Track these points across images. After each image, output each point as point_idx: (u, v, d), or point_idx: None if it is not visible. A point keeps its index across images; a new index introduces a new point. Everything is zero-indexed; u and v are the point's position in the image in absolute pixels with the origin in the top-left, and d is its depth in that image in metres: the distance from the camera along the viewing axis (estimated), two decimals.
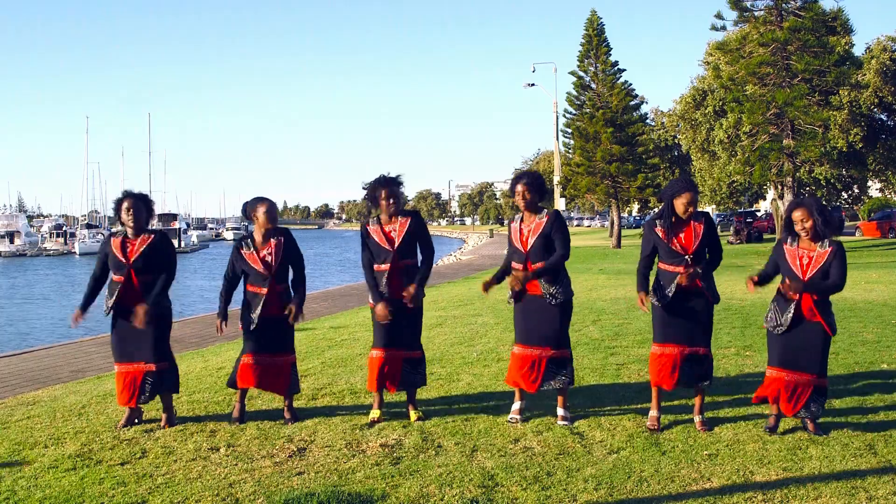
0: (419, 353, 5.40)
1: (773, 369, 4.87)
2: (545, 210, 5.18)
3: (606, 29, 35.22)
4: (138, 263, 5.16)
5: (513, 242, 5.21)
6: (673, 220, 4.97)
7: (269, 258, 5.28)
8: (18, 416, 5.64)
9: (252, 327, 5.26)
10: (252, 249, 5.32)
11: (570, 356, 5.18)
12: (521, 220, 5.22)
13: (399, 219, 5.29)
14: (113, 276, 5.25)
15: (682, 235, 4.94)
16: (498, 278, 5.33)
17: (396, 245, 5.22)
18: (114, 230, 5.57)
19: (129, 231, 5.25)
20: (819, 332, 4.78)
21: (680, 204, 4.91)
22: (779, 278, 4.97)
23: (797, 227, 4.79)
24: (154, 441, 4.92)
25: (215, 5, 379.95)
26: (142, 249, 5.18)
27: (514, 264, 5.21)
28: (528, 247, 5.08)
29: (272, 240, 5.33)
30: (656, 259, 5.10)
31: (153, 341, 5.17)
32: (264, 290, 5.25)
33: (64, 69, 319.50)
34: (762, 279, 4.99)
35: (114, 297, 5.16)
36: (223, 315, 5.36)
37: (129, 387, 5.17)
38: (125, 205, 5.23)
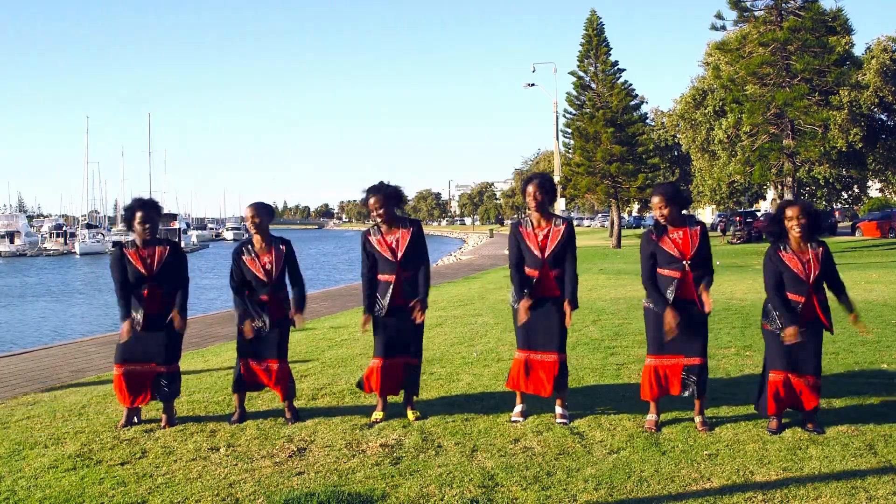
0: (417, 360, 5.39)
1: (777, 373, 4.80)
2: (561, 218, 5.14)
3: (606, 29, 35.28)
4: (161, 277, 5.21)
5: (529, 248, 5.09)
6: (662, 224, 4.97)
7: (269, 266, 5.27)
8: (18, 416, 5.64)
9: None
10: (253, 255, 5.30)
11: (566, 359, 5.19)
12: (533, 225, 5.14)
13: (400, 229, 5.25)
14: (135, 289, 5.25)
15: (678, 240, 4.90)
16: (519, 292, 5.10)
17: (400, 257, 5.20)
18: (122, 240, 5.60)
19: (139, 240, 5.27)
20: (818, 332, 4.79)
21: (653, 207, 4.97)
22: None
23: (790, 224, 4.77)
24: (154, 441, 4.92)
25: (215, 5, 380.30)
26: (162, 263, 5.22)
27: (528, 270, 5.10)
28: (547, 253, 5.03)
29: (273, 248, 5.31)
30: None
31: (168, 344, 5.21)
32: (264, 298, 5.25)
33: (64, 69, 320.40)
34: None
35: (141, 310, 5.16)
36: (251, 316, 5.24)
37: (136, 386, 5.18)
38: (139, 216, 5.23)
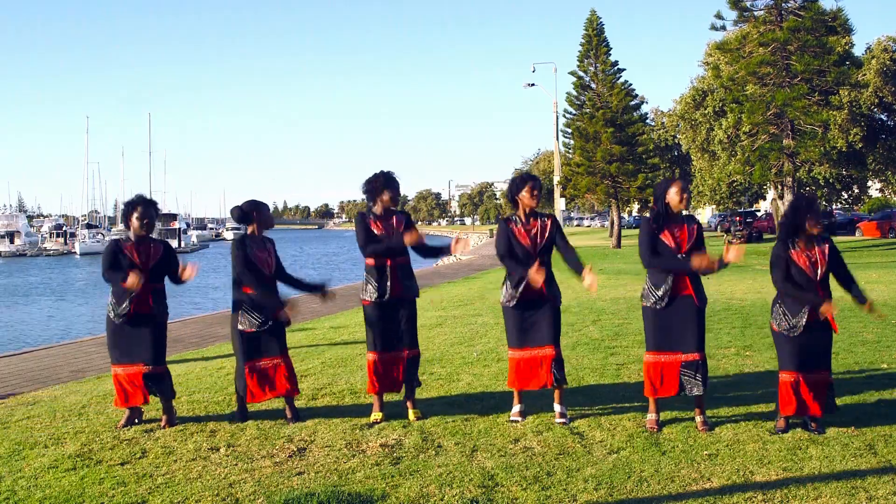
0: (417, 350, 5.41)
1: (789, 374, 4.80)
2: (546, 213, 5.26)
3: (606, 29, 35.24)
4: (156, 270, 5.25)
5: (520, 243, 5.11)
6: (668, 214, 4.97)
7: (268, 261, 5.34)
8: (18, 416, 5.64)
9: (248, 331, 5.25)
10: (253, 251, 5.34)
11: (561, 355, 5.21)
12: (521, 223, 5.16)
13: (395, 217, 5.36)
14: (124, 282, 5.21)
15: (676, 233, 4.93)
16: (517, 268, 5.11)
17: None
18: (118, 237, 5.62)
19: (133, 236, 5.28)
20: (827, 329, 4.81)
21: (674, 194, 4.93)
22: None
23: (811, 231, 4.78)
24: (154, 441, 4.92)
25: (215, 5, 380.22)
26: (158, 257, 5.28)
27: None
28: (539, 248, 5.10)
29: (266, 245, 5.39)
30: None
31: (154, 345, 5.21)
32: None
33: (64, 69, 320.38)
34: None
35: (129, 303, 5.12)
36: (311, 288, 5.67)
37: (129, 387, 5.18)
38: (139, 211, 5.26)
